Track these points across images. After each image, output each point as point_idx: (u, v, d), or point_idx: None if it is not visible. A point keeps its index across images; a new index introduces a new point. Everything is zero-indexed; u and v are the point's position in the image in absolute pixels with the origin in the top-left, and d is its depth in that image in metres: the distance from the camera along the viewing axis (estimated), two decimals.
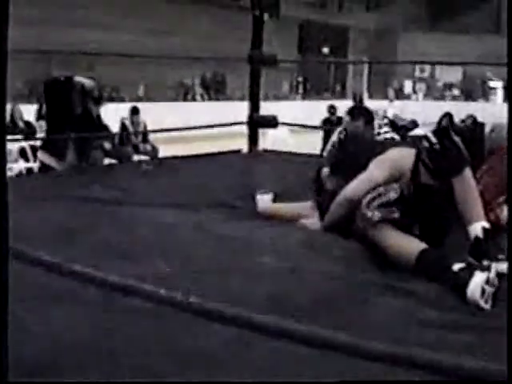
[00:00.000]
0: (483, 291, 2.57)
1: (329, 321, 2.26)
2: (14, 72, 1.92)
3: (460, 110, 16.52)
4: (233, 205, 4.24)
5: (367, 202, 3.22)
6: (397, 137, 3.87)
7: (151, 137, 12.00)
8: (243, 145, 6.84)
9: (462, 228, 3.02)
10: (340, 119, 14.60)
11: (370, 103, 23.18)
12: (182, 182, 5.06)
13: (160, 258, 2.87)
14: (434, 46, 32.59)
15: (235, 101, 21.18)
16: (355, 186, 3.46)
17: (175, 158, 6.65)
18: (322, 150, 13.91)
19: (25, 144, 10.24)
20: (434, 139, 3.14)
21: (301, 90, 31.91)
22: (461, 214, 3.01)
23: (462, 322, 2.34)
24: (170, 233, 3.40)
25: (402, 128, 13.71)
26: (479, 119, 13.28)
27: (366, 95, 28.30)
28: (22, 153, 10.29)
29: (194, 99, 24.04)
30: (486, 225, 2.95)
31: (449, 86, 35.73)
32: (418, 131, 16.34)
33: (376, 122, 4.70)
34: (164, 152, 11.33)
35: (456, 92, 35.25)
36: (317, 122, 14.19)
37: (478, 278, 2.59)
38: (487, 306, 2.56)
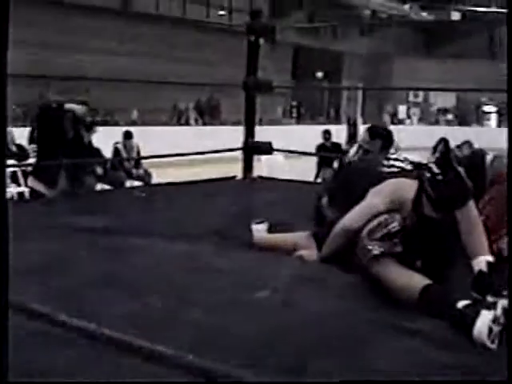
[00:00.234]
0: (490, 331, 2.47)
1: (326, 363, 2.16)
2: (9, 93, 1.84)
3: (454, 135, 16.52)
4: (228, 235, 4.14)
5: (368, 234, 3.12)
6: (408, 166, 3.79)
7: (144, 161, 11.91)
8: (237, 170, 6.76)
9: (466, 261, 2.92)
10: (335, 144, 14.60)
11: (363, 128, 23.18)
12: (175, 210, 4.97)
13: (149, 292, 2.78)
14: (428, 71, 32.71)
15: (229, 125, 21.17)
16: (353, 216, 3.38)
17: (169, 184, 6.57)
18: (317, 176, 13.90)
19: (16, 168, 10.14)
20: (436, 170, 3.04)
21: (295, 115, 31.96)
22: (464, 247, 2.92)
23: (470, 364, 2.24)
24: (161, 265, 3.30)
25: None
26: (475, 145, 13.29)
27: (360, 120, 28.29)
28: (13, 177, 10.18)
29: (187, 123, 24.02)
30: (490, 258, 2.86)
31: (443, 111, 35.84)
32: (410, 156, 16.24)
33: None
34: (157, 176, 11.26)
35: (450, 117, 35.37)
36: (312, 147, 14.12)
37: (485, 318, 2.49)
38: (494, 346, 2.46)
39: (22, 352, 2.07)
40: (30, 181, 6.20)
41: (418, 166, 3.26)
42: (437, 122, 34.24)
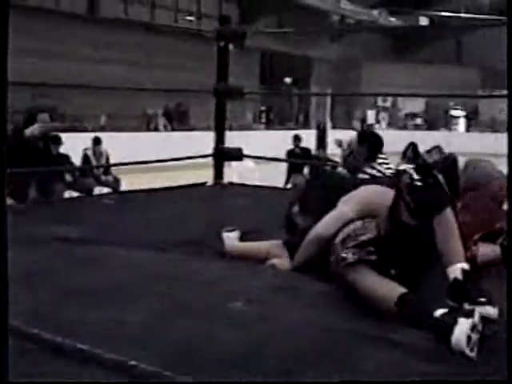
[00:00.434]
0: (469, 339, 2.44)
1: (305, 376, 2.12)
2: None
3: (423, 140, 16.57)
4: (199, 243, 4.09)
5: (341, 242, 3.09)
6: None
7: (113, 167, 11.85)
8: (208, 176, 6.72)
9: (442, 269, 2.90)
10: (304, 150, 14.60)
11: (333, 133, 23.28)
12: (146, 218, 4.92)
13: (121, 302, 2.74)
14: (397, 76, 32.91)
15: (199, 131, 21.12)
16: (325, 224, 3.37)
17: (139, 191, 6.51)
18: (287, 181, 13.88)
19: None
20: (416, 176, 3.02)
21: (264, 120, 31.99)
22: (440, 255, 2.89)
23: (452, 373, 2.21)
24: (133, 274, 3.24)
25: None
26: (445, 150, 13.33)
27: (329, 125, 28.37)
28: None
29: (156, 129, 23.93)
30: (466, 266, 2.83)
31: (411, 116, 36.07)
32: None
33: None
34: (126, 182, 11.18)
35: (419, 121, 35.61)
36: (281, 152, 14.11)
37: (463, 326, 2.47)
38: (473, 355, 2.43)
39: None
40: None
41: (397, 172, 3.23)
42: (405, 127, 34.43)
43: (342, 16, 33.16)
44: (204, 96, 20.86)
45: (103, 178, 11.42)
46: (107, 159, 11.54)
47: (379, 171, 4.37)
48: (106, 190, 11.17)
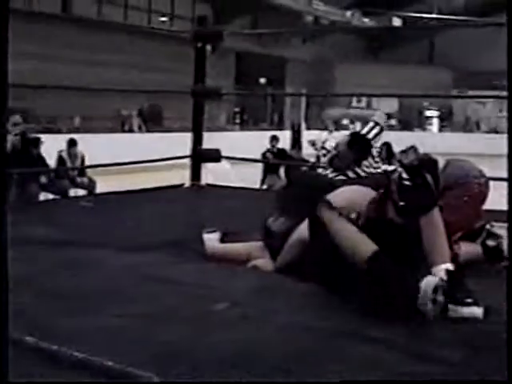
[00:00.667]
0: (435, 290, 2.60)
1: (291, 376, 2.11)
2: None
3: (398, 140, 16.63)
4: (180, 245, 4.06)
5: None
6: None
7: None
8: (184, 177, 6.69)
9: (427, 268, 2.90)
10: (280, 151, 14.59)
11: (307, 134, 23.31)
12: (125, 220, 4.88)
13: (103, 305, 2.72)
14: (371, 76, 33.03)
15: (174, 132, 21.06)
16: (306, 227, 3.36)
17: (115, 193, 6.47)
18: (263, 182, 13.87)
19: None
20: (405, 175, 3.02)
21: (238, 121, 31.98)
22: (426, 254, 2.89)
23: (436, 372, 2.21)
24: (114, 277, 3.22)
25: None
26: (420, 150, 13.38)
27: (303, 125, 28.41)
28: None
29: (131, 130, 23.83)
30: (451, 267, 2.84)
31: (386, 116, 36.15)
32: None
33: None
34: (101, 184, 11.12)
35: (393, 121, 35.73)
36: (256, 153, 14.09)
37: (429, 281, 2.64)
38: (432, 313, 2.57)
39: None
40: None
41: (385, 172, 3.24)
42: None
43: (316, 17, 33.20)
44: (178, 97, 20.86)
45: (78, 179, 11.35)
46: (82, 161, 11.47)
47: (364, 171, 4.36)
48: (81, 191, 11.10)
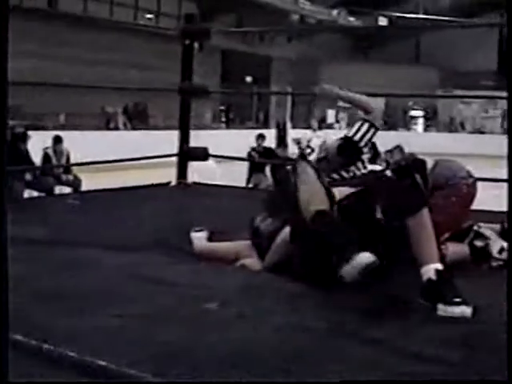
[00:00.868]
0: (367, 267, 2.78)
1: (288, 376, 2.11)
2: None
3: (383, 140, 16.64)
4: (168, 243, 4.06)
5: None
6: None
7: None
8: (170, 175, 6.68)
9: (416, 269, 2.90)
10: (266, 149, 14.56)
11: (293, 132, 23.33)
12: (111, 218, 4.86)
13: (93, 305, 2.71)
14: (356, 75, 33.02)
15: (159, 130, 21.01)
16: None
17: (102, 190, 6.44)
18: (248, 181, 13.85)
19: None
20: (392, 176, 3.03)
21: (224, 119, 31.94)
22: (415, 255, 2.90)
23: (435, 372, 2.21)
24: (103, 277, 3.20)
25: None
26: (406, 149, 13.41)
27: (289, 124, 28.43)
28: None
29: (116, 128, 23.74)
30: (440, 267, 2.84)
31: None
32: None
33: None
34: (86, 182, 11.07)
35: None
36: (242, 151, 14.06)
37: (364, 256, 2.80)
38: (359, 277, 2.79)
39: None
40: None
41: (372, 172, 3.24)
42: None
43: (302, 16, 33.20)
44: (163, 95, 20.80)
45: (64, 177, 11.28)
46: (68, 158, 11.41)
47: (349, 174, 4.35)
48: (66, 189, 11.05)
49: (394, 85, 29.70)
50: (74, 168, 11.59)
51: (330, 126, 32.79)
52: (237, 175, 13.19)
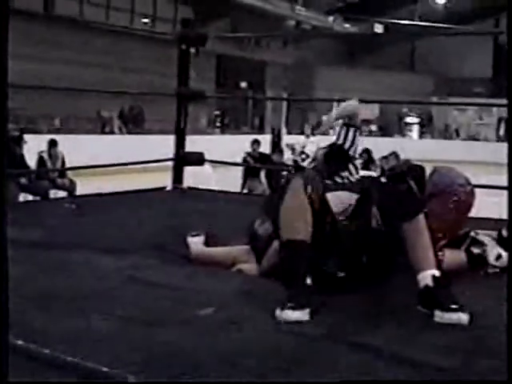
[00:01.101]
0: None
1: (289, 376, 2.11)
2: None
3: (378, 146, 16.73)
4: (164, 248, 4.04)
5: None
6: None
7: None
8: (165, 179, 6.67)
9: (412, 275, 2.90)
10: (262, 155, 14.59)
11: (287, 138, 23.37)
12: (108, 222, 4.85)
13: (88, 309, 2.70)
14: (352, 81, 33.11)
15: (155, 134, 21.01)
16: None
17: (97, 195, 6.44)
18: (243, 186, 13.86)
19: None
20: (387, 182, 3.03)
21: (219, 124, 31.96)
22: (411, 261, 2.90)
23: (424, 378, 2.22)
24: (96, 281, 3.20)
25: None
26: (401, 156, 13.46)
27: (284, 130, 28.47)
28: None
29: (112, 132, 23.73)
30: (437, 273, 2.84)
31: (366, 122, 36.28)
32: None
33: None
34: (81, 186, 11.07)
35: (373, 127, 35.84)
36: (237, 156, 14.07)
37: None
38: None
39: None
40: None
41: (367, 178, 3.24)
42: (360, 133, 34.55)
43: (298, 21, 33.25)
44: (158, 99, 20.79)
45: (59, 180, 11.29)
46: (63, 162, 11.41)
47: (345, 178, 4.35)
48: (61, 193, 11.05)
49: (388, 91, 29.78)
50: (69, 172, 11.59)
51: (326, 132, 32.77)
52: (231, 180, 13.20)
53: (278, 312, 2.69)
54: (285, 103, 33.04)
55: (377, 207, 3.01)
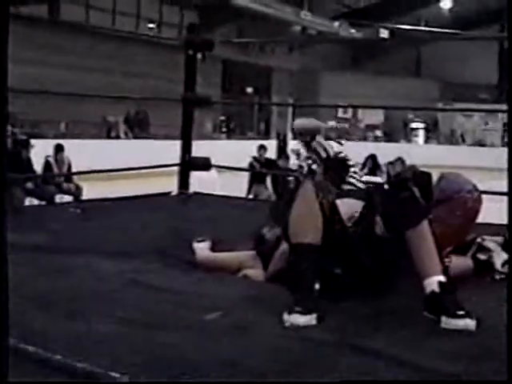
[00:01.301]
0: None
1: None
2: None
3: (384, 151, 16.74)
4: (170, 253, 4.04)
5: None
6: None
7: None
8: (170, 184, 6.67)
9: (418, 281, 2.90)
10: (268, 160, 14.58)
11: (293, 143, 23.31)
12: (113, 227, 4.85)
13: (90, 313, 2.70)
14: (357, 87, 33.10)
15: (159, 140, 21.02)
16: None
17: (103, 200, 6.44)
18: (249, 192, 13.85)
19: None
20: (390, 189, 3.03)
21: (225, 129, 31.96)
22: (416, 268, 2.90)
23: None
24: (100, 286, 3.20)
25: None
26: (407, 161, 13.44)
27: (290, 135, 28.45)
28: None
29: (117, 137, 23.74)
30: (443, 279, 2.84)
31: (371, 128, 36.31)
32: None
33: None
34: (87, 190, 11.08)
35: (378, 133, 35.83)
36: (243, 162, 14.06)
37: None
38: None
39: None
40: None
41: (370, 185, 3.24)
42: (365, 139, 34.65)
43: (303, 27, 33.26)
44: (163, 104, 20.79)
45: (65, 185, 11.31)
46: (69, 167, 11.44)
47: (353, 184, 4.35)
48: (67, 197, 11.07)
49: (393, 97, 29.75)
50: (75, 176, 11.61)
51: (330, 137, 32.75)
52: (237, 185, 13.20)
53: (285, 316, 2.69)
54: (290, 109, 33.04)
55: (380, 215, 3.02)
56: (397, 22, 34.05)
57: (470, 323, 2.68)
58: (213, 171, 10.91)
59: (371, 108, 37.00)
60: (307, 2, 32.42)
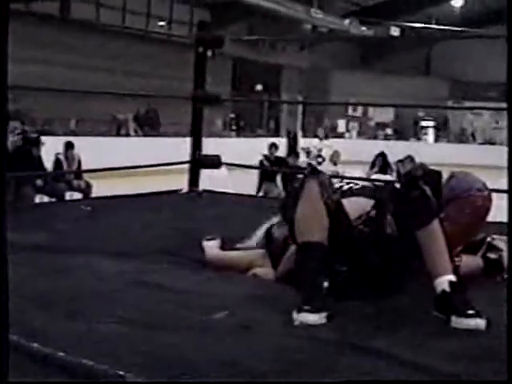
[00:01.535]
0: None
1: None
2: None
3: (394, 149, 16.72)
4: (179, 252, 4.04)
5: None
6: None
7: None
8: (180, 182, 6.67)
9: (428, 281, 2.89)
10: (278, 158, 14.58)
11: (303, 141, 23.33)
12: (122, 225, 4.85)
13: (97, 313, 2.70)
14: (367, 85, 33.04)
15: (169, 137, 21.02)
16: None
17: (113, 197, 6.45)
18: (259, 190, 13.84)
19: None
20: (401, 188, 3.03)
21: (234, 127, 31.91)
22: (427, 267, 2.89)
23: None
24: (108, 285, 3.19)
25: None
26: (416, 159, 13.42)
27: (300, 133, 28.44)
28: None
29: (127, 135, 23.74)
30: (454, 278, 2.83)
31: (381, 126, 36.22)
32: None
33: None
34: (97, 188, 11.09)
35: (389, 131, 35.74)
36: (253, 159, 14.05)
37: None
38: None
39: None
40: None
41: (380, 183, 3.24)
42: (375, 137, 34.61)
43: (314, 25, 33.19)
44: (172, 102, 20.76)
45: (75, 182, 11.32)
46: (79, 164, 11.45)
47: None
48: (77, 195, 11.09)
49: (403, 95, 29.68)
50: (85, 174, 11.63)
51: (341, 135, 32.79)
52: (247, 183, 13.19)
53: (294, 314, 2.69)
54: (300, 106, 33.00)
55: (391, 214, 3.01)
56: (407, 20, 33.96)
57: (480, 323, 2.67)
58: (223, 169, 10.89)
59: (381, 106, 36.92)
60: (317, 0, 32.33)
